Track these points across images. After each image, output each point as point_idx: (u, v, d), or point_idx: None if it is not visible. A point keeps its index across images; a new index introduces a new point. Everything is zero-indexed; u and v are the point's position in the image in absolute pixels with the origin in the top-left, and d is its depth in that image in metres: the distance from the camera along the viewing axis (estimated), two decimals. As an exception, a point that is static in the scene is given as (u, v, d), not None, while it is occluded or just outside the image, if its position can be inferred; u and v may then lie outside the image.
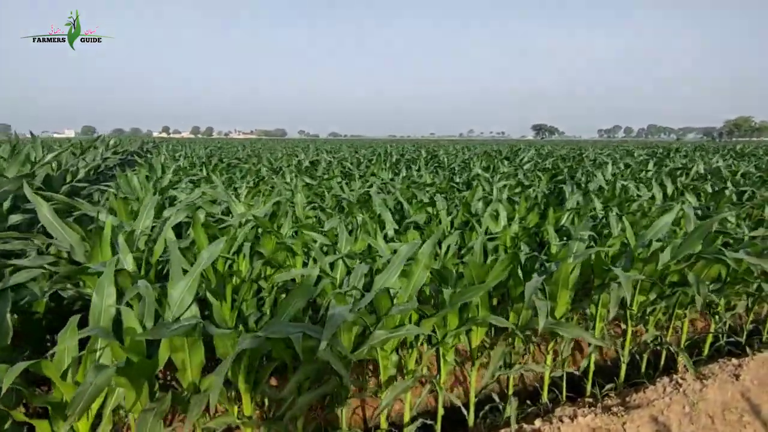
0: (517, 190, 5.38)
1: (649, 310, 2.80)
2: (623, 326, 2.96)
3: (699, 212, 4.54)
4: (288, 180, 5.76)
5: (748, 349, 2.88)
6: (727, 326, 3.37)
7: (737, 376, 2.70)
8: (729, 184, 5.32)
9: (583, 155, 11.26)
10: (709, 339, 3.18)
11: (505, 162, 9.29)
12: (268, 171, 6.84)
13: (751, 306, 3.39)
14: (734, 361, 2.90)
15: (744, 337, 3.42)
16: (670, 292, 2.68)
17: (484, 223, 3.67)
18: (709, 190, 5.49)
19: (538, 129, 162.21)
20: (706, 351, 3.20)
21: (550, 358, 2.65)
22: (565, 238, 3.22)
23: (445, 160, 9.01)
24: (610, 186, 4.97)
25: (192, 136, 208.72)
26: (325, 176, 6.35)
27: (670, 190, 5.60)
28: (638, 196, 4.72)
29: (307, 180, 5.73)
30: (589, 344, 2.78)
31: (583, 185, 5.75)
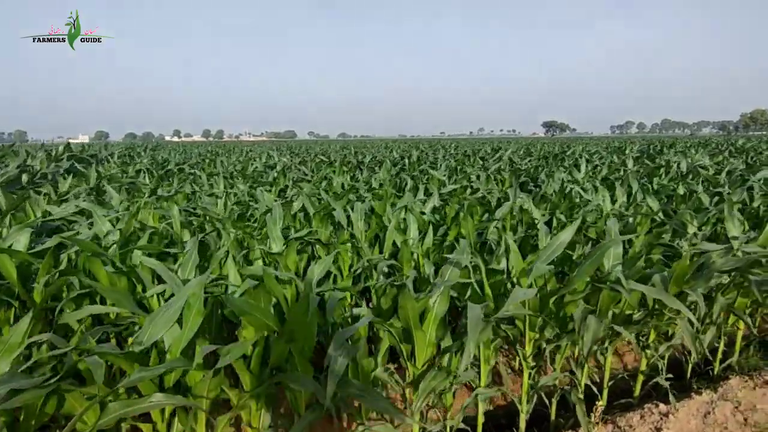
0: (468, 194, 4.88)
1: (550, 348, 2.28)
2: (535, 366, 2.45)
3: (658, 218, 4.02)
4: (220, 188, 5.32)
5: (672, 398, 2.34)
6: (667, 359, 2.83)
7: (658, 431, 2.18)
8: (700, 186, 4.74)
9: (567, 153, 10.63)
10: (640, 378, 2.64)
11: (480, 162, 8.75)
12: (211, 177, 6.40)
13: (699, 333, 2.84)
14: (661, 407, 2.37)
15: (689, 370, 2.88)
16: (572, 326, 2.16)
17: (389, 237, 3.18)
18: (681, 191, 4.92)
19: (549, 126, 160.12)
20: (637, 391, 2.66)
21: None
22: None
23: (413, 161, 8.48)
24: (558, 191, 4.44)
25: (203, 139, 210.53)
26: (266, 181, 5.90)
27: (634, 191, 5.05)
28: (587, 201, 4.18)
29: (241, 186, 5.29)
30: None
31: (541, 188, 5.22)
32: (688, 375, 2.90)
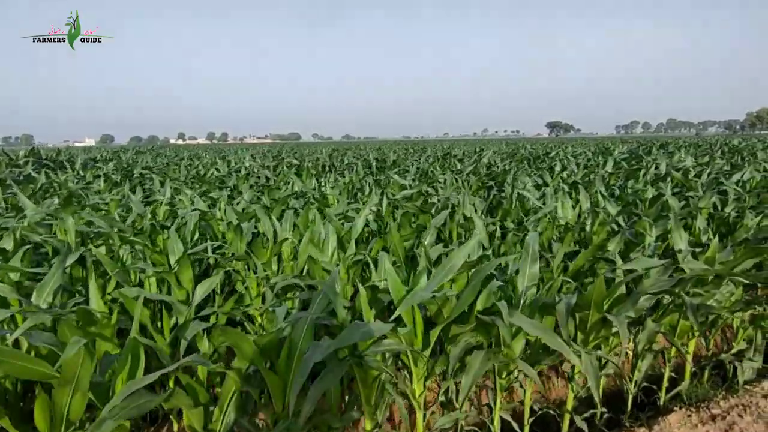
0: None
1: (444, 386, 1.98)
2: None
3: (615, 227, 3.70)
4: (166, 195, 5.04)
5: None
6: (605, 389, 2.51)
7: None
8: (669, 190, 4.40)
9: (549, 154, 10.27)
10: (566, 416, 2.32)
11: (458, 164, 8.43)
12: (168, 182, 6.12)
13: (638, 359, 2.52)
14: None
15: (629, 402, 2.56)
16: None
17: (303, 251, 2.88)
18: (649, 195, 4.59)
19: (553, 126, 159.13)
20: (564, 430, 2.34)
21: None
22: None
23: (389, 164, 8.16)
24: (509, 197, 4.12)
25: (207, 141, 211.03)
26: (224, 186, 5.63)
27: (599, 197, 4.72)
28: (537, 208, 3.86)
29: (188, 192, 5.01)
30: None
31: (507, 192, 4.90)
32: (629, 407, 2.58)
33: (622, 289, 2.17)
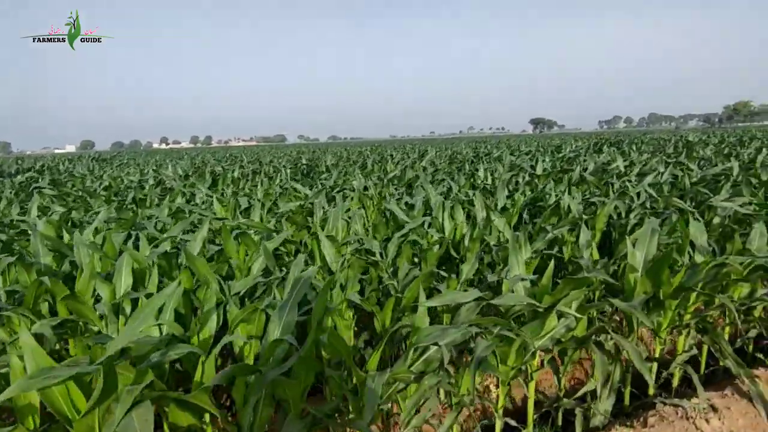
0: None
1: None
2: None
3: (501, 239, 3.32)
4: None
5: None
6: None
7: None
8: (566, 195, 4.04)
9: (490, 154, 9.91)
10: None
11: (388, 167, 8.02)
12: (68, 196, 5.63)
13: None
14: None
15: None
16: None
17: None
18: (551, 201, 4.23)
19: (536, 123, 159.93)
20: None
21: None
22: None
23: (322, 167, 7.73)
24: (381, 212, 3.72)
25: (192, 145, 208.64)
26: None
27: (502, 202, 4.35)
28: (404, 222, 3.45)
29: (59, 209, 4.53)
30: None
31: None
32: None
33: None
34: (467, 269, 2.81)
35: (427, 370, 1.78)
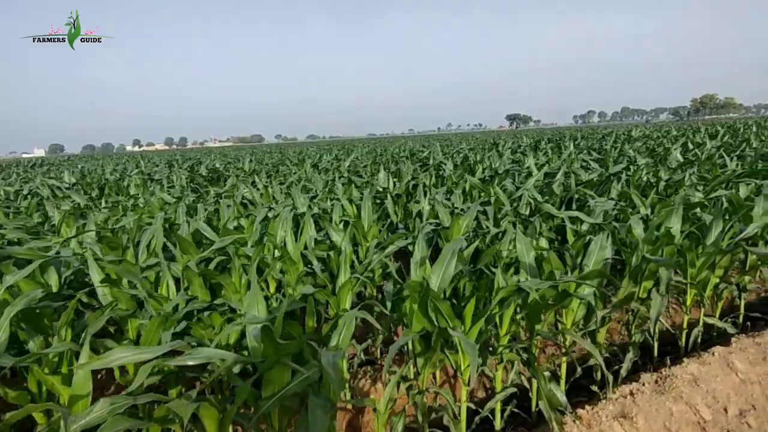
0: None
1: None
2: None
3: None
4: None
5: None
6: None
7: None
8: (459, 201, 3.64)
9: (423, 152, 9.50)
10: None
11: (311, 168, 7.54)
12: None
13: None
14: None
15: None
16: None
17: None
18: (425, 208, 3.83)
19: (512, 119, 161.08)
20: None
21: None
22: None
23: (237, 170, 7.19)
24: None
25: (166, 147, 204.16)
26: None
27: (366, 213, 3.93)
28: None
29: None
30: None
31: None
32: None
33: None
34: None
35: None
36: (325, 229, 3.26)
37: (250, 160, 9.32)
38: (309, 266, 2.86)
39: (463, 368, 2.04)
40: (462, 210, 3.62)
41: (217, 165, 9.11)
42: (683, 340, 2.91)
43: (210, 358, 1.52)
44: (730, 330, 2.93)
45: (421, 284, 1.94)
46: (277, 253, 3.07)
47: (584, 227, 3.22)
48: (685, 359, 2.59)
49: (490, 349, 2.20)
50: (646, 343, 2.87)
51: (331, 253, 2.80)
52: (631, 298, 2.37)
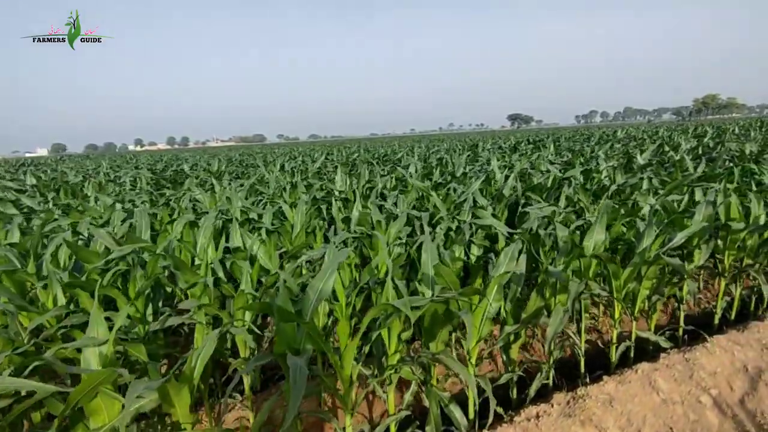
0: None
1: None
2: None
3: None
4: None
5: None
6: None
7: None
8: (403, 205, 3.50)
9: (397, 155, 9.35)
10: None
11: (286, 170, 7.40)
12: None
13: None
14: None
15: None
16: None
17: None
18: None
19: (514, 119, 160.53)
20: None
21: None
22: None
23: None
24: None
25: (168, 147, 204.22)
26: None
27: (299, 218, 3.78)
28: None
29: None
30: None
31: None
32: None
33: None
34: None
35: None
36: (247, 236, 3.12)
37: (219, 161, 9.21)
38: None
39: (343, 393, 1.89)
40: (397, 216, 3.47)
41: (185, 167, 8.97)
42: (613, 355, 2.76)
43: (19, 389, 1.38)
44: (664, 344, 2.77)
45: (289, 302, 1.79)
46: (197, 261, 2.94)
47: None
48: (604, 377, 2.44)
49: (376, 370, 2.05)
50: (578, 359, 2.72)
51: (239, 261, 2.66)
52: (540, 313, 2.22)
